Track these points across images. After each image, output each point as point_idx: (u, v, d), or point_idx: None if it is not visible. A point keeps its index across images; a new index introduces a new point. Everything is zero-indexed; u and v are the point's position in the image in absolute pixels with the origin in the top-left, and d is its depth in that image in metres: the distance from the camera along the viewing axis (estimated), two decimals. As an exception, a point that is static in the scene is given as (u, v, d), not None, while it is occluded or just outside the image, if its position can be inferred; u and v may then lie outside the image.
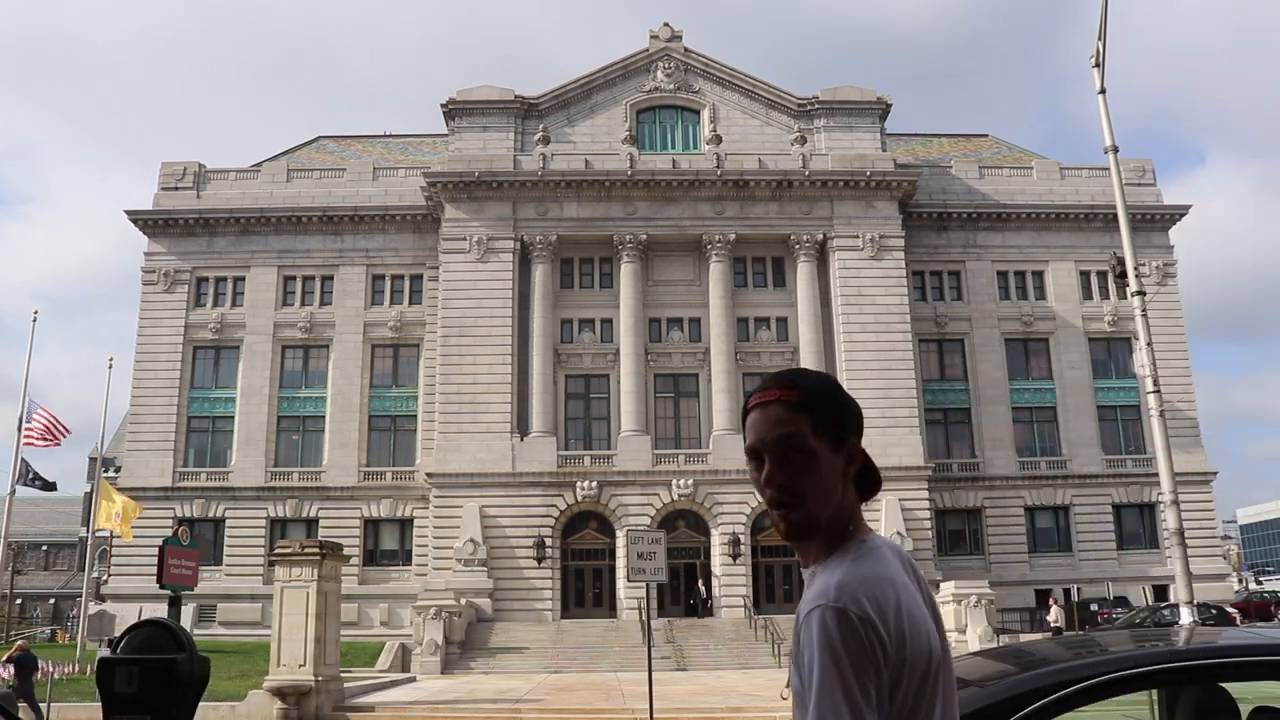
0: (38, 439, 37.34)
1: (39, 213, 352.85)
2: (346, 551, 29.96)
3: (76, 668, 31.96)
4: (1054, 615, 42.48)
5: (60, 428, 37.85)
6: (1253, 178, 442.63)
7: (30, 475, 37.74)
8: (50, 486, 39.03)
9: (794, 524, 2.41)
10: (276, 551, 25.94)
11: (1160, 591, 49.96)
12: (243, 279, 54.67)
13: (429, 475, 48.73)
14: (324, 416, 52.96)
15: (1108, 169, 24.25)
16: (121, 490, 44.26)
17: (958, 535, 52.99)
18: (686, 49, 55.54)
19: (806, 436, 2.38)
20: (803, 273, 51.86)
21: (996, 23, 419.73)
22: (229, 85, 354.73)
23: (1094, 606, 46.63)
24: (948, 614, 40.41)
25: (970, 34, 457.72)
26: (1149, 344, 21.28)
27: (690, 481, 47.81)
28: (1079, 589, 50.06)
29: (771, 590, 47.85)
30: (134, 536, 41.77)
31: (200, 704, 6.91)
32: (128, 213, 54.98)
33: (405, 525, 51.97)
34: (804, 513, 2.40)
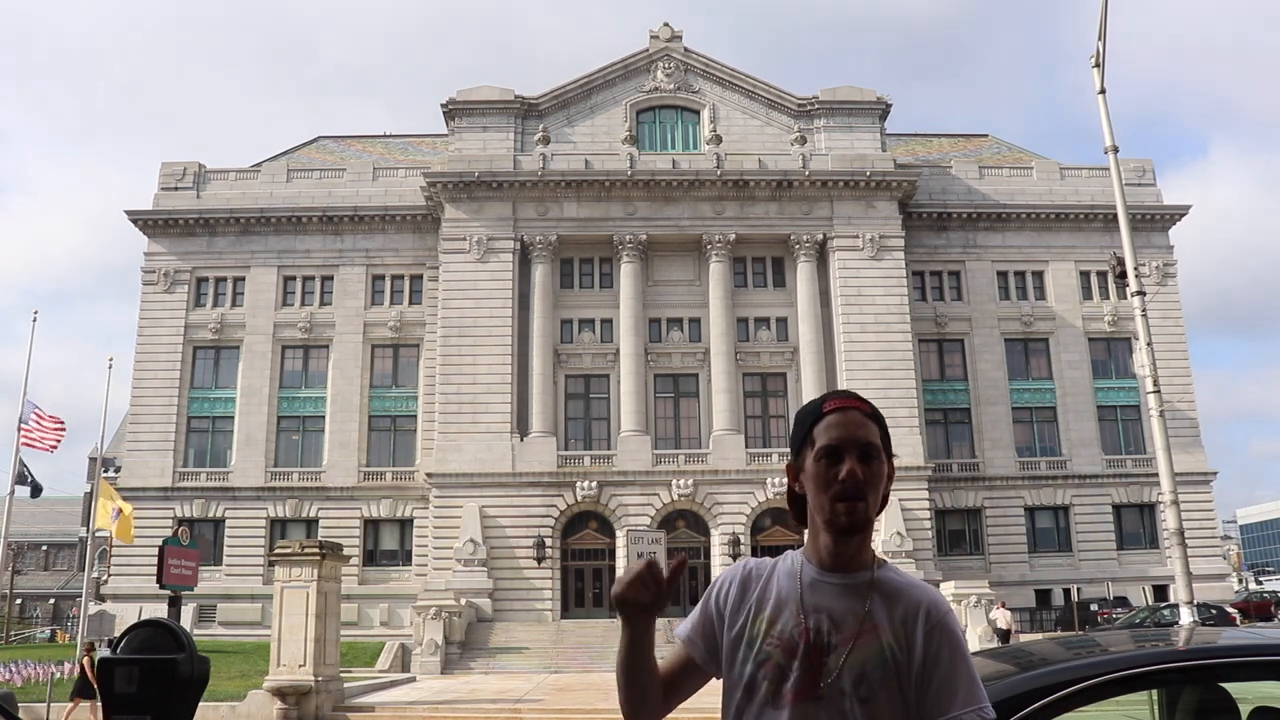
0: (37, 442, 37.29)
1: (20, 204, 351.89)
2: (346, 551, 29.96)
3: (77, 668, 31.93)
4: (995, 616, 37.73)
5: (56, 427, 37.73)
6: (1257, 167, 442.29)
7: (24, 477, 37.67)
8: (36, 491, 38.84)
9: (859, 518, 2.72)
10: (276, 551, 25.95)
11: (1160, 591, 49.95)
12: (243, 279, 54.66)
13: (429, 475, 48.73)
14: (324, 416, 52.96)
15: (1108, 169, 24.26)
16: (121, 490, 44.26)
17: (958, 535, 52.99)
18: (686, 49, 55.55)
19: (878, 444, 2.76)
20: (803, 273, 51.86)
21: (997, 8, 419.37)
22: (225, 81, 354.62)
23: (1094, 606, 46.61)
24: (948, 614, 40.32)
25: (970, 21, 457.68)
26: (1149, 344, 21.28)
27: (690, 481, 47.81)
28: (1079, 589, 50.04)
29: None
30: (134, 538, 41.75)
31: (200, 704, 6.90)
32: (128, 213, 54.97)
33: (405, 525, 51.96)
34: (866, 509, 2.72)
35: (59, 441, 37.82)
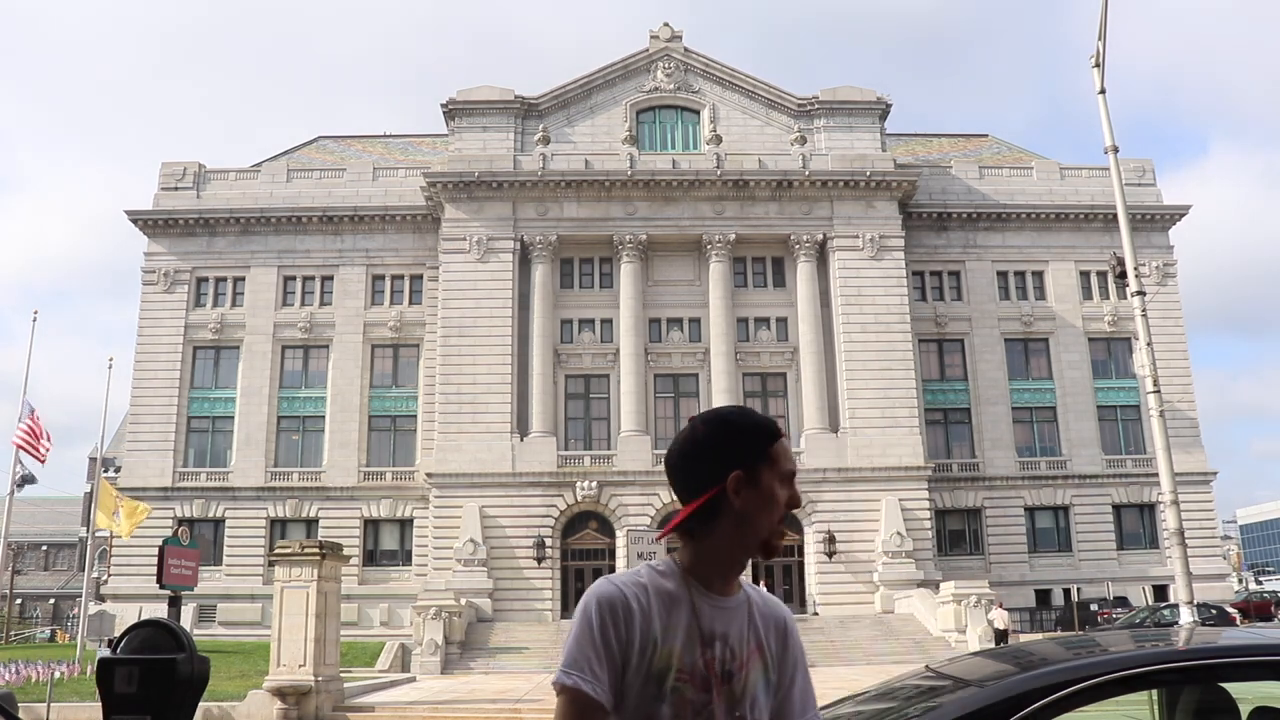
0: (25, 445, 37.27)
1: (19, 203, 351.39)
2: (346, 551, 29.95)
3: (77, 668, 31.93)
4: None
5: (43, 442, 37.45)
6: (1258, 166, 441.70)
7: (19, 474, 37.63)
8: (29, 480, 38.61)
9: None
10: (276, 551, 25.93)
11: (1160, 591, 49.96)
12: (243, 279, 54.66)
13: (429, 475, 48.73)
14: (324, 416, 52.96)
15: (1107, 169, 24.27)
16: (121, 490, 44.24)
17: (958, 535, 52.99)
18: (686, 49, 55.56)
19: None
20: (803, 273, 51.86)
21: (997, 7, 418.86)
22: (225, 81, 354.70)
23: (1094, 606, 46.62)
24: (948, 614, 40.41)
25: (971, 21, 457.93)
26: (1149, 344, 21.28)
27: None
28: (1079, 589, 50.06)
29: (770, 590, 47.83)
30: (131, 536, 41.77)
31: (200, 704, 6.91)
32: (128, 213, 54.97)
33: (405, 525, 51.96)
34: None
35: (39, 450, 37.63)
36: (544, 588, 47.45)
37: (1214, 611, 39.73)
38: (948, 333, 55.01)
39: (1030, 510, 53.30)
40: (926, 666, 4.34)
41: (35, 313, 39.91)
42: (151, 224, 54.83)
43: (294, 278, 54.74)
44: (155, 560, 33.19)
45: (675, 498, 2.80)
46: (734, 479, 2.64)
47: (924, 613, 43.09)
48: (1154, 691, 4.22)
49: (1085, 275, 55.69)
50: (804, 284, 51.68)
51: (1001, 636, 36.01)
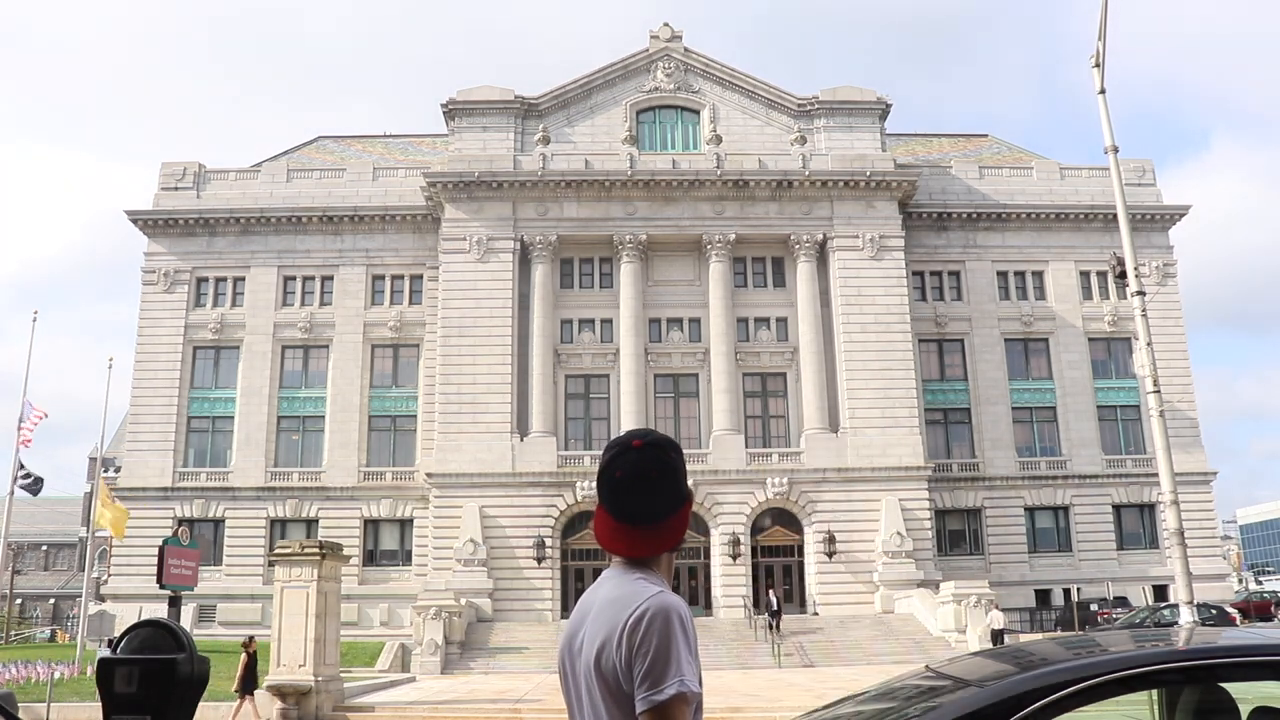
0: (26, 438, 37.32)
1: (17, 202, 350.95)
2: (346, 551, 29.96)
3: (76, 668, 31.93)
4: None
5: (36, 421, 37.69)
6: (1259, 163, 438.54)
7: (23, 474, 37.63)
8: (37, 486, 38.61)
9: None
10: (276, 551, 25.96)
11: (1160, 591, 49.97)
12: (243, 279, 54.67)
13: (429, 475, 48.74)
14: (324, 416, 52.96)
15: (1108, 169, 24.29)
16: (121, 490, 44.28)
17: (958, 535, 52.99)
18: (686, 49, 55.57)
19: None
20: (803, 273, 51.86)
21: (997, 7, 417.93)
22: (225, 81, 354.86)
23: (1094, 606, 46.62)
24: (948, 614, 40.41)
25: (971, 20, 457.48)
26: (1149, 344, 21.28)
27: (690, 482, 47.67)
28: (1079, 589, 50.05)
29: (771, 590, 47.81)
30: (123, 537, 41.76)
31: (200, 704, 6.91)
32: (128, 213, 54.98)
33: (405, 525, 51.97)
34: None
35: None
36: (544, 588, 47.45)
37: (1214, 611, 39.73)
38: (948, 333, 55.02)
39: (1030, 510, 53.31)
40: (926, 666, 4.34)
41: (35, 313, 39.95)
42: (151, 224, 54.84)
43: (294, 278, 54.75)
44: (155, 560, 33.23)
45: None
46: (691, 498, 3.16)
47: (924, 613, 43.11)
48: (1154, 691, 4.22)
49: (1085, 275, 55.71)
50: (804, 284, 51.68)
51: (997, 637, 36.06)
